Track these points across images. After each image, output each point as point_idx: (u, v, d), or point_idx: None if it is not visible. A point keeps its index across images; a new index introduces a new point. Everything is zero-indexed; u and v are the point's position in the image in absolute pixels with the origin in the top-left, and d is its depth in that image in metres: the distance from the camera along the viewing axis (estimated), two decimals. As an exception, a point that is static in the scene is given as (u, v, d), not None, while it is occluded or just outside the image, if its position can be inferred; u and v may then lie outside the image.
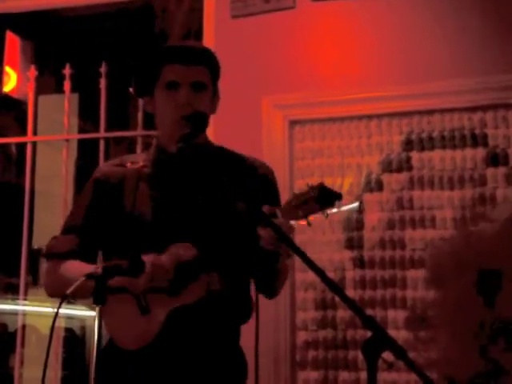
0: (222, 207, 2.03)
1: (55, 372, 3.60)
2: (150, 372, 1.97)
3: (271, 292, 2.16)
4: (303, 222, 1.95)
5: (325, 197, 1.89)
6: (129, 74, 3.38)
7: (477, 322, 2.83)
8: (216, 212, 2.04)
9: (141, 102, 3.59)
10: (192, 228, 2.02)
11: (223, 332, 2.06)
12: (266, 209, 1.85)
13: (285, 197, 3.02)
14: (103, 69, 3.67)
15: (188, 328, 1.98)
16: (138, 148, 3.61)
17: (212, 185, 2.04)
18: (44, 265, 2.16)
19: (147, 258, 1.90)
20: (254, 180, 2.13)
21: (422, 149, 3.07)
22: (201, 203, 2.06)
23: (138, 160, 2.17)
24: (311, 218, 1.93)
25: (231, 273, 2.02)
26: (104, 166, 2.20)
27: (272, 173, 2.22)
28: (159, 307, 1.94)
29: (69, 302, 1.88)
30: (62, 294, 1.78)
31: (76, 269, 1.96)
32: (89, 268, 1.84)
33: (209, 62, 2.12)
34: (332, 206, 1.93)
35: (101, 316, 1.90)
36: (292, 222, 1.91)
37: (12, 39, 4.20)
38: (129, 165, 2.16)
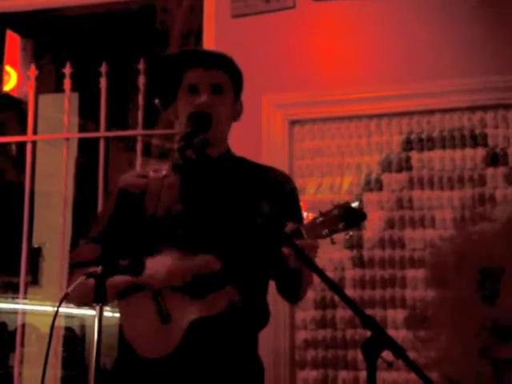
0: (244, 220, 2.03)
1: (55, 371, 3.60)
2: (169, 382, 1.96)
3: (294, 298, 2.18)
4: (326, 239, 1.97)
5: (351, 217, 1.92)
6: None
7: (477, 321, 2.84)
8: (238, 224, 2.03)
9: (141, 101, 3.60)
10: (213, 239, 2.02)
11: (242, 342, 2.07)
12: (290, 227, 1.89)
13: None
14: (103, 68, 3.68)
15: (208, 338, 1.97)
16: (138, 147, 3.61)
17: (235, 197, 2.06)
18: (72, 275, 2.12)
19: (171, 256, 1.94)
20: (275, 193, 2.11)
21: (422, 149, 3.08)
22: (224, 214, 2.06)
23: (162, 168, 2.19)
24: (335, 236, 1.95)
25: (251, 285, 2.03)
26: (127, 176, 2.21)
27: (294, 185, 2.23)
28: (180, 316, 1.94)
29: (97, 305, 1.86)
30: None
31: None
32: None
33: (228, 67, 2.15)
34: (358, 226, 1.96)
35: (120, 324, 1.93)
36: (317, 240, 1.94)
37: (12, 38, 4.20)
38: (151, 174, 2.17)
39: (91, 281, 1.90)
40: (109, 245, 2.09)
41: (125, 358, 2.02)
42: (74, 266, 2.11)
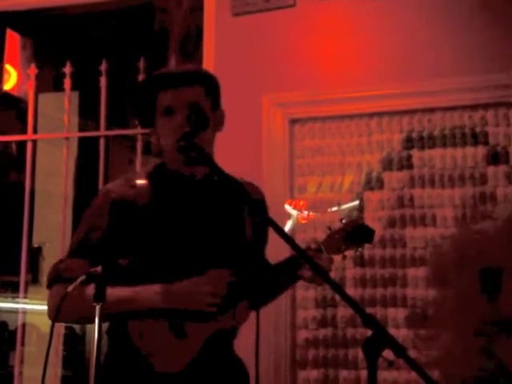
0: (236, 235, 2.07)
1: (55, 370, 3.60)
2: None
3: (260, 305, 2.15)
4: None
5: (361, 233, 2.13)
6: (134, 83, 3.38)
7: (479, 319, 2.83)
8: (229, 240, 2.06)
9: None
10: (206, 253, 2.03)
11: (224, 351, 2.09)
12: (314, 244, 2.08)
13: (283, 196, 3.02)
14: (103, 67, 3.67)
15: (221, 353, 2.02)
16: (139, 146, 3.61)
17: (229, 213, 2.09)
18: (51, 290, 2.06)
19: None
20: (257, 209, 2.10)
21: (423, 147, 3.07)
22: (215, 230, 2.07)
23: (142, 178, 2.14)
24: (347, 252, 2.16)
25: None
26: (116, 187, 2.12)
27: (264, 197, 2.24)
28: (196, 330, 1.95)
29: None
30: (84, 316, 1.82)
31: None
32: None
33: (202, 81, 2.10)
34: (369, 242, 2.18)
35: (133, 335, 1.93)
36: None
37: (12, 37, 4.20)
38: (137, 183, 2.12)
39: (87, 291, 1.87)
40: (104, 259, 1.99)
41: (136, 372, 1.98)
42: (59, 281, 2.01)
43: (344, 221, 2.13)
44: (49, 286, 2.07)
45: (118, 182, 2.14)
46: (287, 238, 1.71)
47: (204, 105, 2.08)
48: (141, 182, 2.12)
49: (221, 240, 2.06)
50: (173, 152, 2.03)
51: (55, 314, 1.87)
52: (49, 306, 2.08)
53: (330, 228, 2.12)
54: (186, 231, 2.05)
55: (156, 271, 1.99)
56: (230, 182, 1.97)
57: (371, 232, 2.14)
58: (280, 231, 1.70)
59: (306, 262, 1.87)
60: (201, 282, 1.94)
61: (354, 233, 2.10)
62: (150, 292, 1.94)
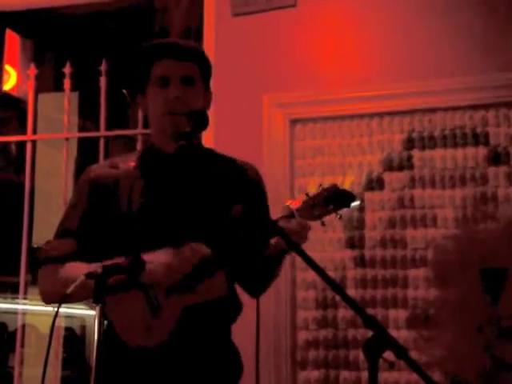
0: (218, 209, 2.02)
1: (55, 371, 3.59)
2: (151, 370, 1.96)
3: (259, 292, 2.14)
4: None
5: (339, 198, 1.98)
6: (122, 76, 3.38)
7: (481, 319, 2.83)
8: (212, 213, 2.03)
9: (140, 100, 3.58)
10: (188, 228, 2.00)
11: (216, 331, 2.06)
12: (285, 209, 1.93)
13: (284, 196, 3.02)
14: (103, 67, 3.66)
15: (197, 328, 1.97)
16: (139, 146, 3.60)
17: (210, 187, 2.06)
18: (39, 270, 2.08)
19: (163, 252, 1.91)
20: (246, 184, 2.13)
21: (424, 147, 3.06)
22: (197, 203, 2.05)
23: (129, 160, 2.15)
24: (325, 218, 2.01)
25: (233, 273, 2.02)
26: (97, 168, 2.15)
27: (261, 177, 2.23)
28: (172, 304, 1.92)
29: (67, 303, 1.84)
30: (61, 296, 1.76)
31: (77, 269, 1.91)
32: (90, 267, 1.82)
33: (197, 59, 2.12)
34: (347, 206, 2.00)
35: (105, 310, 1.89)
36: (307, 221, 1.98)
37: (12, 37, 4.20)
38: (121, 166, 2.13)
39: (67, 274, 1.91)
40: (84, 239, 2.04)
41: (113, 352, 1.99)
42: (45, 262, 2.05)
43: (321, 187, 2.04)
44: (38, 268, 2.09)
45: (101, 163, 2.22)
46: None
47: (197, 80, 2.09)
48: (126, 164, 2.13)
49: (203, 216, 2.03)
50: (160, 122, 2.05)
51: (46, 298, 2.02)
52: (39, 288, 2.09)
53: (307, 194, 2.05)
54: (173, 210, 2.04)
55: (135, 249, 1.96)
56: (210, 156, 2.02)
57: (351, 196, 2.02)
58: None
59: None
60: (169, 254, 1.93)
61: (332, 197, 1.99)
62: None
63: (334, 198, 1.97)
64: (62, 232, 2.09)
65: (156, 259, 1.92)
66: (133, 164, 2.13)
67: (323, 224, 2.01)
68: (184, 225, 2.02)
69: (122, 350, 1.95)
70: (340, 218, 2.02)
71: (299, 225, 1.95)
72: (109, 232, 2.04)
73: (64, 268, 2.00)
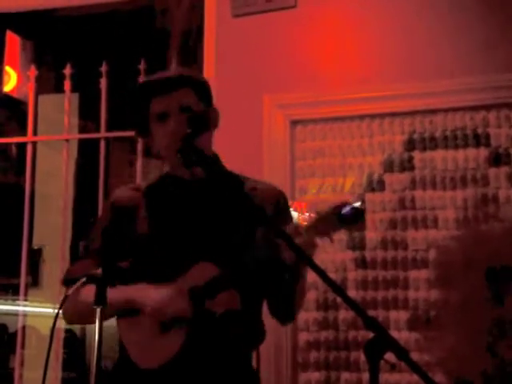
0: (234, 228, 2.05)
1: (55, 373, 3.59)
2: None
3: (286, 315, 2.19)
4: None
5: (348, 215, 1.96)
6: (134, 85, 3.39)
7: (485, 320, 2.82)
8: (228, 234, 2.05)
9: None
10: (205, 251, 2.02)
11: (237, 354, 2.05)
12: (291, 227, 1.92)
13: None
14: (104, 68, 3.66)
15: (207, 347, 1.96)
16: (139, 148, 3.60)
17: (224, 213, 2.07)
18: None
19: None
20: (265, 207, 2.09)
21: (424, 149, 3.06)
22: (213, 225, 2.07)
23: (150, 183, 2.21)
24: (333, 235, 2.00)
25: (248, 293, 2.02)
26: (120, 190, 2.20)
27: (280, 201, 2.20)
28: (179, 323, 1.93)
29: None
30: (83, 319, 1.80)
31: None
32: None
33: (190, 83, 2.12)
34: (356, 224, 2.01)
35: (119, 332, 1.93)
36: (316, 240, 1.99)
37: (12, 39, 4.20)
38: (142, 188, 2.18)
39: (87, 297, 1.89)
40: (103, 259, 2.06)
41: (124, 370, 2.01)
42: (67, 283, 2.07)
43: (332, 205, 2.05)
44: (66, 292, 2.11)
45: (123, 186, 2.22)
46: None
47: (196, 106, 2.10)
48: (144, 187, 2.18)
49: (216, 239, 2.05)
50: (170, 156, 2.07)
51: (65, 317, 2.06)
52: (62, 310, 2.10)
53: (318, 213, 2.06)
54: (180, 233, 2.06)
55: (153, 272, 2.00)
56: (229, 181, 2.02)
57: (359, 214, 2.00)
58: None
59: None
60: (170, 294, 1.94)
61: (342, 216, 1.97)
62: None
63: (342, 215, 1.96)
64: (85, 253, 2.15)
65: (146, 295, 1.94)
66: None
67: (332, 241, 2.00)
68: (197, 247, 2.03)
69: (133, 373, 1.96)
70: (350, 236, 2.04)
71: (307, 243, 1.94)
72: (126, 253, 2.05)
73: (84, 292, 1.96)
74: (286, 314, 2.16)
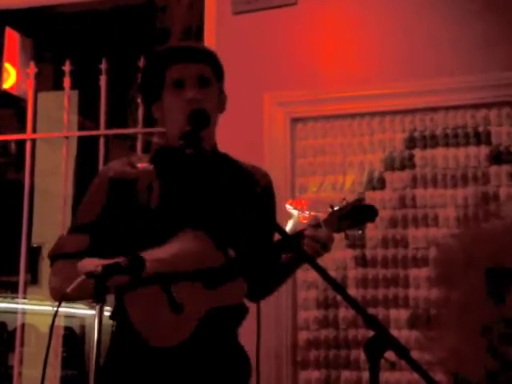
0: (231, 210, 2.04)
1: (55, 371, 3.59)
2: (180, 371, 1.96)
3: (264, 295, 2.21)
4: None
5: (364, 212, 2.08)
6: (133, 82, 3.39)
7: (486, 319, 2.82)
8: (240, 216, 2.03)
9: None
10: (210, 223, 2.01)
11: (225, 334, 2.08)
12: (314, 220, 2.02)
13: (284, 195, 3.01)
14: (103, 65, 3.65)
15: (219, 331, 2.00)
16: (139, 145, 3.59)
17: (224, 189, 2.05)
18: (51, 267, 2.08)
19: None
20: (254, 190, 2.15)
21: (425, 147, 3.05)
22: (213, 203, 2.06)
23: (144, 160, 2.17)
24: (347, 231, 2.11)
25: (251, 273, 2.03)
26: (116, 165, 2.15)
27: (272, 183, 2.25)
28: (193, 306, 1.93)
29: (68, 302, 1.84)
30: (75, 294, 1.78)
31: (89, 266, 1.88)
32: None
33: (211, 61, 2.14)
34: (371, 221, 2.08)
35: (128, 311, 1.92)
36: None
37: (11, 36, 4.19)
38: (139, 166, 2.15)
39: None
40: (99, 235, 2.04)
41: (130, 346, 1.99)
42: (58, 257, 2.05)
43: (345, 200, 2.11)
44: (51, 263, 2.09)
45: (118, 161, 2.17)
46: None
47: (212, 81, 2.12)
48: (143, 164, 2.14)
49: (223, 216, 2.05)
50: (180, 124, 2.04)
51: (55, 297, 1.98)
52: (50, 285, 2.07)
53: (331, 206, 2.09)
54: (187, 208, 2.05)
55: (153, 244, 1.98)
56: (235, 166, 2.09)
57: (374, 211, 2.10)
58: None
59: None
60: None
61: (355, 212, 2.07)
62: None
63: (359, 212, 2.06)
64: (76, 227, 2.09)
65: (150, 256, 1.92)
66: (146, 164, 2.14)
67: (347, 238, 2.12)
68: (200, 223, 2.02)
69: (137, 349, 1.95)
70: (362, 233, 2.11)
71: (327, 236, 2.02)
72: (126, 227, 2.04)
73: (76, 265, 1.96)
74: (260, 296, 2.13)
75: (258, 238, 1.99)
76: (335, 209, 2.07)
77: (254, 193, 2.12)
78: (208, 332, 1.95)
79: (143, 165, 2.15)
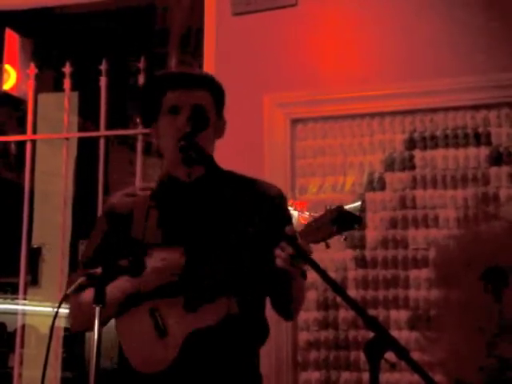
0: (234, 231, 2.03)
1: (55, 372, 3.58)
2: None
3: (288, 313, 2.21)
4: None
5: (344, 220, 1.91)
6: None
7: (484, 319, 2.82)
8: (227, 236, 2.03)
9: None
10: (204, 253, 2.01)
11: (241, 356, 2.05)
12: (287, 230, 1.89)
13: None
14: (103, 66, 3.65)
15: (205, 352, 1.96)
16: (139, 146, 3.59)
17: (224, 210, 2.06)
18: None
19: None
20: (264, 204, 2.11)
21: (425, 147, 3.05)
22: (211, 227, 2.05)
23: (147, 188, 2.18)
24: (329, 240, 1.96)
25: (247, 295, 2.02)
26: (114, 198, 2.19)
27: (280, 196, 2.20)
28: (177, 329, 1.93)
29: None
30: (86, 322, 1.82)
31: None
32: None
33: (210, 86, 2.12)
34: (352, 229, 1.97)
35: (118, 337, 1.97)
36: (310, 245, 1.94)
37: (12, 37, 4.19)
38: (139, 193, 2.16)
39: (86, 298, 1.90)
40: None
41: (124, 374, 2.01)
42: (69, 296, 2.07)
43: (328, 208, 2.03)
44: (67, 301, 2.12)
45: (118, 192, 2.21)
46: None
47: (209, 109, 2.09)
48: (143, 192, 2.16)
49: (212, 238, 2.04)
50: (173, 152, 2.05)
51: (71, 322, 2.09)
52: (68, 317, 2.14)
53: (312, 215, 2.03)
54: (178, 236, 2.06)
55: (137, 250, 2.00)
56: (227, 180, 2.02)
57: (355, 217, 1.95)
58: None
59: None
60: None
61: (336, 219, 1.92)
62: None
63: (338, 220, 1.91)
64: (87, 262, 2.12)
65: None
66: (149, 192, 2.15)
67: (328, 246, 1.96)
68: (198, 253, 2.02)
69: (133, 373, 1.96)
70: (345, 239, 1.99)
71: (304, 247, 1.91)
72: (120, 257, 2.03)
73: (83, 295, 2.00)
74: (285, 312, 2.17)
75: (259, 260, 1.97)
76: (311, 220, 1.96)
77: (254, 217, 2.07)
78: (191, 354, 1.93)
79: (145, 192, 2.16)
